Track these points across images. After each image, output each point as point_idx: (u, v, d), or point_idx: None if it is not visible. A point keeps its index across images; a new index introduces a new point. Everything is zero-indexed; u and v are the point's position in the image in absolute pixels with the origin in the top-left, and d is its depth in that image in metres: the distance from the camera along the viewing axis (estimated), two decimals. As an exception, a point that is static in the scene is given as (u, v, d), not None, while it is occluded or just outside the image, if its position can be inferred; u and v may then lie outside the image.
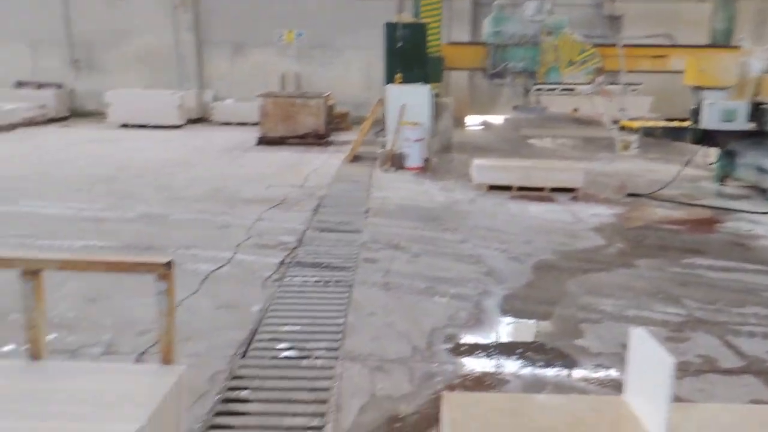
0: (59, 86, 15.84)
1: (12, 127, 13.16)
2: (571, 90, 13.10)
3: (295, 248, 5.45)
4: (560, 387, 3.19)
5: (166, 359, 2.15)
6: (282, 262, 5.06)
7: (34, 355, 2.15)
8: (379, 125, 10.59)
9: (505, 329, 3.92)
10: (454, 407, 2.13)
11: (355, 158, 10.17)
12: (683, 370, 3.36)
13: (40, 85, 15.61)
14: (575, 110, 13.77)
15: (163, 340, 2.14)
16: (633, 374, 2.16)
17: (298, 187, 8.08)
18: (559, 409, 2.15)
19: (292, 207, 6.97)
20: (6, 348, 3.37)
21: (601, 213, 6.87)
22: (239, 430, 2.71)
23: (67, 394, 1.89)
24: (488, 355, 3.53)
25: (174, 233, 5.83)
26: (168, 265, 2.07)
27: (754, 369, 3.42)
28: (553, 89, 13.41)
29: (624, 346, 2.97)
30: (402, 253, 5.40)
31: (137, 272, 2.09)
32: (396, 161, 9.33)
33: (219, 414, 2.84)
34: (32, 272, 2.06)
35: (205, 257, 5.09)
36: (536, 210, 6.99)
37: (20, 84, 15.71)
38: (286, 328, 3.81)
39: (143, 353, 3.42)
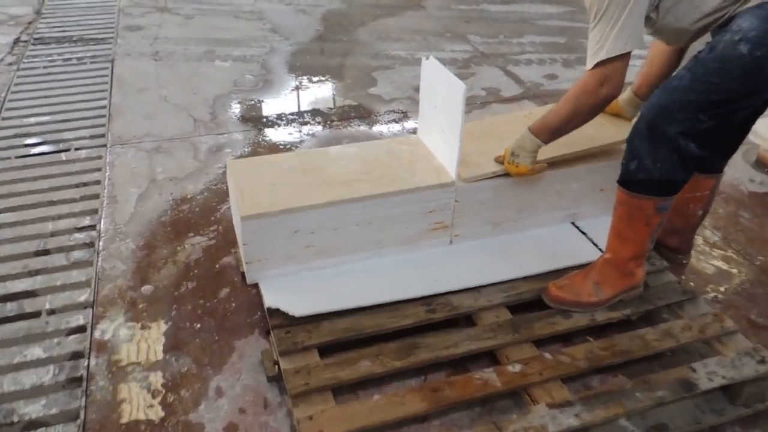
0: None
1: None
2: None
3: (32, 22, 4.38)
4: (357, 138, 3.07)
5: None
6: (17, 40, 4.07)
7: None
8: None
9: (296, 88, 3.63)
10: (240, 173, 1.88)
11: None
12: (471, 103, 3.41)
13: None
14: None
15: None
16: (425, 108, 2.04)
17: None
18: (354, 157, 1.99)
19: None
20: None
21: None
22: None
23: None
24: (280, 118, 3.26)
25: None
26: None
27: (531, 94, 3.59)
28: None
29: (417, 89, 2.86)
30: (171, 15, 4.63)
31: None
32: None
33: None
34: None
35: None
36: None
37: None
38: (34, 119, 3.14)
39: None
